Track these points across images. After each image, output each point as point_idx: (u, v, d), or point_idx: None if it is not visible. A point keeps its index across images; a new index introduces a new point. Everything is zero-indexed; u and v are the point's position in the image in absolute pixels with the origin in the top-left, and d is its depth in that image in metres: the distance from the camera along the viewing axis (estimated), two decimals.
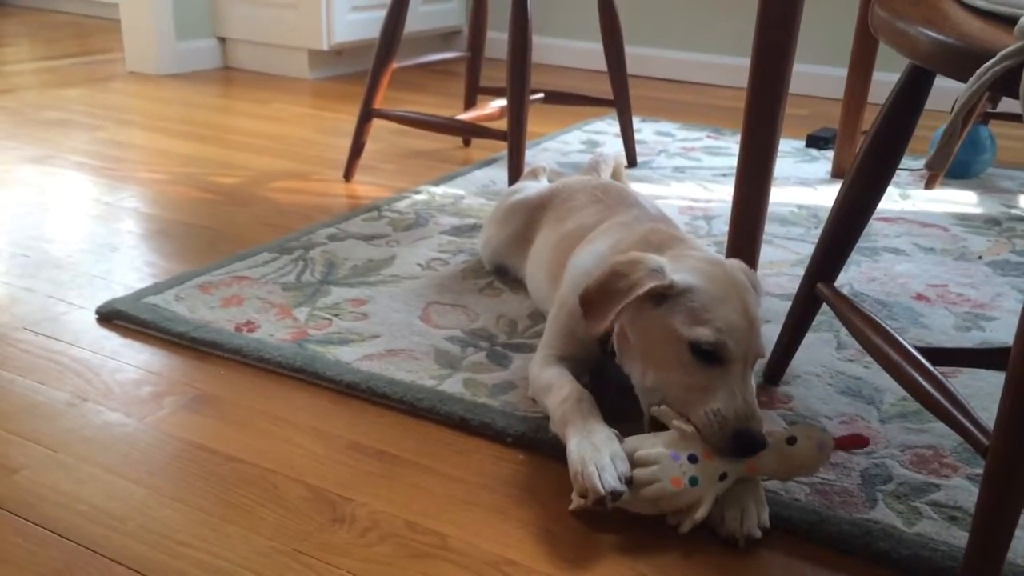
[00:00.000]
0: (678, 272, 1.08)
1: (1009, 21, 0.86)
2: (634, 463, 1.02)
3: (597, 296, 1.08)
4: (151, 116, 2.84)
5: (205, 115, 2.87)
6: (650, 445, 1.03)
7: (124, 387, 1.30)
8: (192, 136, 2.63)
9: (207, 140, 2.59)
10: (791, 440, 1.02)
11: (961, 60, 0.88)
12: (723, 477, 1.00)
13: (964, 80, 0.86)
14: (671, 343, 1.05)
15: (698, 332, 1.03)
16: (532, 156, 2.43)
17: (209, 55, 3.49)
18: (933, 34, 0.93)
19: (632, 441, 1.05)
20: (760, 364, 1.33)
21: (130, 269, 1.70)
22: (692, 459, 1.00)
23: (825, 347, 1.45)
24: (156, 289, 1.58)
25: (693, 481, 0.99)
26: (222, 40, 3.51)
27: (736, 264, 1.17)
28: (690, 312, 1.04)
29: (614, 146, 2.57)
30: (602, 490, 0.98)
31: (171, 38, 3.34)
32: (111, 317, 1.49)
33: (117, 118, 2.80)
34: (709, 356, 1.03)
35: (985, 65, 0.83)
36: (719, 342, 1.02)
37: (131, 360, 1.38)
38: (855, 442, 1.08)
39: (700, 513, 0.99)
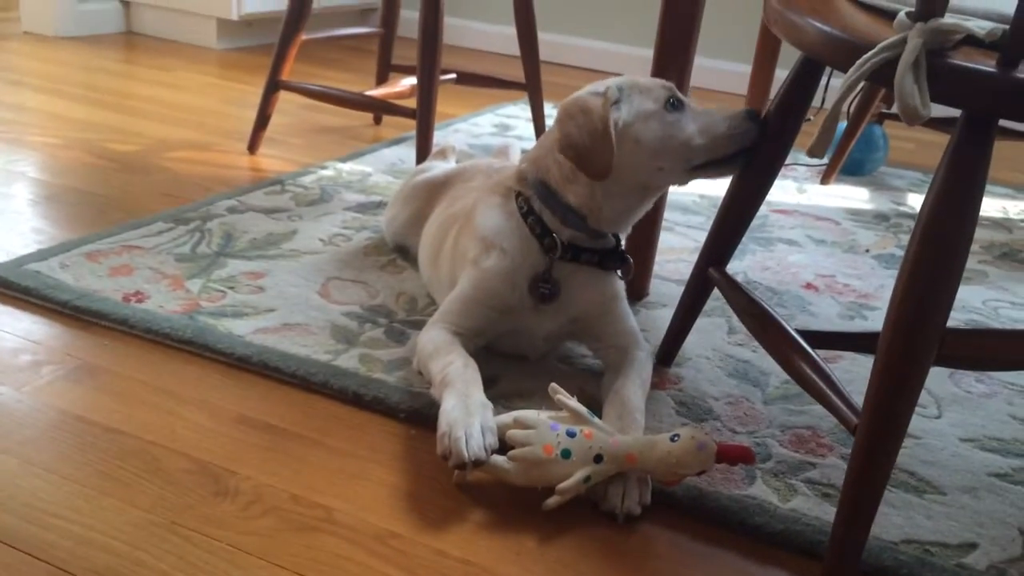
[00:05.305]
0: (603, 83, 1.23)
1: (891, 15, 0.89)
2: (514, 424, 1.03)
3: (588, 142, 1.16)
4: (46, 78, 2.71)
5: (104, 80, 2.76)
6: (535, 415, 1.04)
7: (0, 355, 1.24)
8: (89, 101, 2.52)
9: (105, 105, 2.49)
10: (674, 437, 1.01)
11: (845, 51, 0.91)
12: (599, 459, 1.01)
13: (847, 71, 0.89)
14: (650, 119, 1.19)
15: (659, 92, 1.21)
16: (443, 136, 2.42)
17: (111, 18, 3.35)
18: (820, 25, 0.96)
19: (519, 412, 1.06)
20: (653, 347, 1.36)
21: (14, 235, 1.62)
22: (570, 434, 1.02)
23: (717, 332, 1.48)
24: (40, 256, 1.51)
25: (566, 453, 1.00)
26: (126, 3, 3.38)
27: None
28: (637, 94, 1.21)
29: (526, 130, 2.58)
30: (466, 456, 0.99)
31: None
32: None
33: (9, 79, 2.67)
34: (677, 107, 1.20)
35: (865, 56, 0.86)
36: (672, 92, 1.21)
37: (9, 328, 1.32)
38: (740, 454, 1.02)
39: (565, 484, 0.99)
